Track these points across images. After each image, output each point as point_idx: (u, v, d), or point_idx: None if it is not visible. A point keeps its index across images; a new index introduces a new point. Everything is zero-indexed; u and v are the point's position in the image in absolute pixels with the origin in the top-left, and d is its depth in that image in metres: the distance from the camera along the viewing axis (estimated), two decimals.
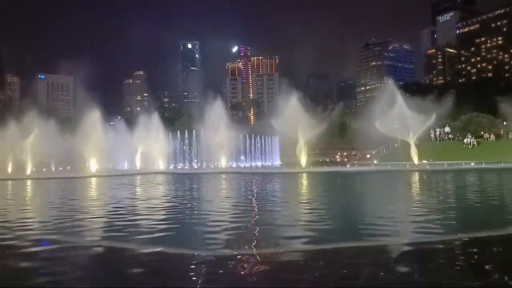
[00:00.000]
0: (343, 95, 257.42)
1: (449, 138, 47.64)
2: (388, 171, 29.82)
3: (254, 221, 9.20)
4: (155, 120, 50.21)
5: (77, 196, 17.06)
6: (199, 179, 27.45)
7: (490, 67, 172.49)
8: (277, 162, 57.54)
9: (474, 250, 6.10)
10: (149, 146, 46.64)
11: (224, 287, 4.55)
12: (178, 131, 57.65)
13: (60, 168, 46.16)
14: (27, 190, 21.59)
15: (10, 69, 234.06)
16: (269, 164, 56.52)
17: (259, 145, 59.06)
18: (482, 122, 48.68)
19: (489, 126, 47.65)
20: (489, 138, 45.02)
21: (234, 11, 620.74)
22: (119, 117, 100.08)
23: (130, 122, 57.71)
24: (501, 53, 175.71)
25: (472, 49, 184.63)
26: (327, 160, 61.24)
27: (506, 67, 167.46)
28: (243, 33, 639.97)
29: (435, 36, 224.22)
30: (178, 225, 8.68)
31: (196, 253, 5.93)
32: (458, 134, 47.69)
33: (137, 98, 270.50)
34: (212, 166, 48.58)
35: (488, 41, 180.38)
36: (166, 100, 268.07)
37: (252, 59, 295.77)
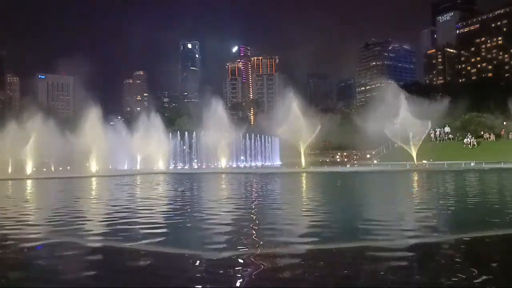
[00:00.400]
0: (343, 95, 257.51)
1: (449, 138, 47.65)
2: (388, 171, 29.82)
3: (253, 221, 9.21)
4: (155, 120, 50.24)
5: (77, 196, 17.05)
6: (199, 179, 27.46)
7: (490, 67, 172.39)
8: (277, 162, 57.54)
9: (474, 250, 6.10)
10: (149, 146, 46.64)
11: (224, 287, 4.56)
12: (178, 131, 57.63)
13: (60, 168, 46.15)
14: (27, 190, 21.58)
15: (10, 69, 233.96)
16: (269, 164, 56.49)
17: (259, 145, 59.03)
18: (482, 122, 48.66)
19: (489, 126, 47.63)
20: (489, 138, 45.03)
21: (234, 11, 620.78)
22: (119, 117, 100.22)
23: (130, 122, 57.71)
24: (501, 53, 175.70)
25: (472, 49, 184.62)
26: (327, 160, 61.24)
27: (506, 67, 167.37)
28: (243, 33, 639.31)
29: (435, 36, 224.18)
30: (178, 225, 8.68)
31: (196, 253, 5.93)
32: (458, 134, 47.69)
33: (137, 98, 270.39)
34: (212, 166, 48.59)
35: (488, 41, 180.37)
36: (166, 100, 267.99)
37: (252, 59, 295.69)
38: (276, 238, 6.94)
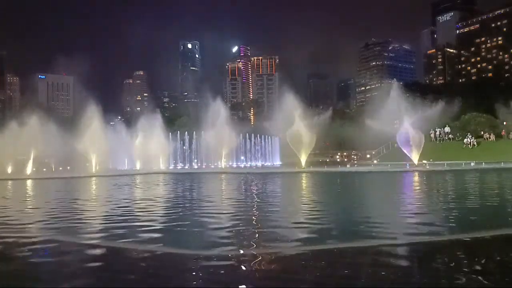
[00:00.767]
0: (343, 95, 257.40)
1: (449, 138, 47.61)
2: (388, 171, 29.81)
3: (253, 221, 9.21)
4: (155, 120, 50.25)
5: (77, 196, 17.05)
6: (199, 179, 27.45)
7: (490, 67, 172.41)
8: (277, 162, 57.51)
9: (474, 250, 6.10)
10: (149, 146, 46.64)
11: (224, 287, 4.55)
12: (178, 131, 57.62)
13: (60, 168, 46.16)
14: (27, 190, 21.58)
15: (10, 69, 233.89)
16: (269, 164, 56.46)
17: (259, 145, 59.00)
18: (482, 122, 48.61)
19: (489, 126, 47.60)
20: (489, 138, 45.00)
21: (234, 11, 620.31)
22: (119, 117, 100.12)
23: (130, 122, 57.72)
24: (501, 53, 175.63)
25: (472, 49, 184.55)
26: (327, 160, 61.21)
27: (506, 67, 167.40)
28: (243, 33, 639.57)
29: (435, 36, 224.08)
30: (178, 225, 8.67)
31: (196, 253, 5.93)
32: (458, 134, 47.66)
33: (137, 98, 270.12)
34: (212, 166, 48.57)
35: (488, 41, 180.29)
36: (166, 100, 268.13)
37: (252, 59, 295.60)
38: (276, 238, 6.94)
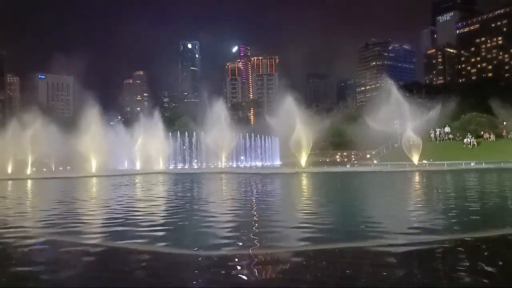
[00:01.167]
0: (343, 95, 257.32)
1: (449, 138, 47.60)
2: (388, 171, 29.81)
3: (254, 221, 9.20)
4: (155, 120, 50.26)
5: (76, 196, 17.04)
6: (199, 179, 27.45)
7: (490, 67, 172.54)
8: (277, 162, 57.49)
9: (474, 250, 6.10)
10: (149, 146, 46.64)
11: (224, 287, 4.55)
12: (178, 131, 57.64)
13: (60, 168, 46.16)
14: (27, 190, 21.58)
15: (10, 69, 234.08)
16: (269, 164, 56.45)
17: (259, 145, 58.99)
18: (482, 122, 48.62)
19: (489, 126, 47.60)
20: (489, 138, 45.00)
21: (234, 11, 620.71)
22: (119, 117, 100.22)
23: (130, 122, 57.74)
24: (501, 53, 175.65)
25: (472, 49, 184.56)
26: (327, 160, 61.20)
27: (506, 67, 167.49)
28: (243, 33, 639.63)
29: (435, 36, 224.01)
30: (178, 225, 8.68)
31: (196, 253, 5.93)
32: (458, 134, 47.66)
33: (137, 98, 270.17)
34: (212, 166, 48.56)
35: (488, 41, 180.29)
36: (166, 100, 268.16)
37: (252, 59, 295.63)
38: (276, 238, 6.94)
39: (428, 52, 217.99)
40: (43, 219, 10.11)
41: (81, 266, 5.51)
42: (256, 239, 6.88)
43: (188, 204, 12.97)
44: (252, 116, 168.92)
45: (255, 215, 10.13)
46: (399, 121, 35.58)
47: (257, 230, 7.81)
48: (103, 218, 10.13)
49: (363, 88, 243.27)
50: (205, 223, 8.76)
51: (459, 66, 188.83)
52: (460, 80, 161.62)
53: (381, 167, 33.47)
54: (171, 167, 49.56)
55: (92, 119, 40.20)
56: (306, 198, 14.51)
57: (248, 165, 53.48)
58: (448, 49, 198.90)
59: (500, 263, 5.27)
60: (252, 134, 58.08)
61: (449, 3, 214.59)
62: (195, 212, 10.70)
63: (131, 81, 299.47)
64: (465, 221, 8.55)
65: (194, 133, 54.16)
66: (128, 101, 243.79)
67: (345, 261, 5.41)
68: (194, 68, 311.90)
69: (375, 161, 44.94)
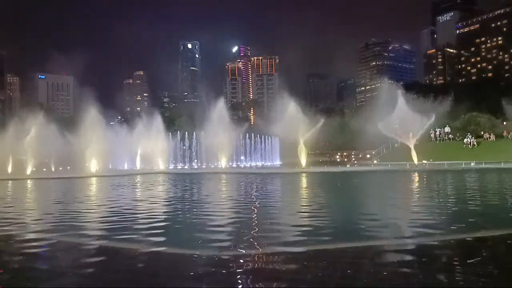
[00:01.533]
0: (343, 95, 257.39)
1: (449, 138, 47.61)
2: (388, 171, 29.82)
3: (254, 221, 9.20)
4: (155, 120, 50.27)
5: (76, 196, 17.03)
6: (199, 179, 27.44)
7: (490, 67, 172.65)
8: (277, 162, 57.51)
9: (474, 250, 6.09)
10: (149, 146, 46.65)
11: (224, 287, 4.55)
12: (178, 131, 57.65)
13: (60, 168, 46.15)
14: (27, 190, 21.57)
15: (10, 69, 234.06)
16: (269, 164, 56.47)
17: (259, 145, 58.99)
18: (482, 122, 48.63)
19: (489, 126, 47.61)
20: (489, 138, 45.01)
21: (234, 11, 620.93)
22: (119, 117, 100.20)
23: (130, 122, 57.73)
24: (501, 53, 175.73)
25: (472, 49, 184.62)
26: (327, 160, 61.21)
27: (506, 67, 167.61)
28: (243, 33, 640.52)
29: (435, 36, 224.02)
30: (178, 225, 8.67)
31: (196, 253, 5.92)
32: (458, 134, 47.67)
33: (137, 98, 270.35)
34: (212, 166, 48.57)
35: (488, 41, 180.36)
36: (166, 100, 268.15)
37: (252, 59, 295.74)
38: (276, 238, 6.93)
39: (428, 52, 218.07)
40: (42, 219, 10.11)
41: (81, 266, 5.50)
42: (256, 239, 6.87)
43: (188, 204, 12.96)
44: (252, 116, 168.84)
45: (255, 215, 10.12)
46: (399, 121, 35.58)
47: (257, 230, 7.80)
48: (103, 218, 10.12)
49: (363, 88, 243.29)
50: (205, 223, 8.76)
51: (459, 66, 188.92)
52: (460, 80, 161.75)
53: (381, 167, 33.50)
54: (171, 167, 49.56)
55: (92, 119, 40.20)
56: (306, 198, 14.50)
57: (248, 165, 53.50)
58: (448, 49, 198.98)
59: (501, 263, 5.26)
60: (252, 134, 58.09)
61: (449, 3, 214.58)
62: (196, 212, 10.69)
63: (131, 81, 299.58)
64: (465, 221, 8.54)
65: (194, 133, 54.17)
66: (128, 101, 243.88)
67: (345, 261, 5.40)
68: (194, 68, 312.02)
69: (375, 161, 44.95)
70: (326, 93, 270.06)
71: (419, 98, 40.20)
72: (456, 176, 23.47)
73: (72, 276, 5.02)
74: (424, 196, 14.27)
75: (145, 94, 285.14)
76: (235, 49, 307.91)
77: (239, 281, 4.66)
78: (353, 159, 57.82)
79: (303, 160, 36.78)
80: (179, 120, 79.57)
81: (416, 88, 76.18)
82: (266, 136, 58.33)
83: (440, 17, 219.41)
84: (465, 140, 43.47)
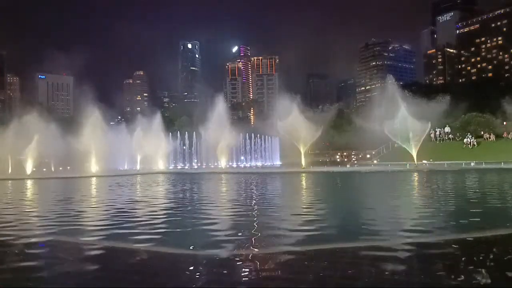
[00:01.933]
0: (343, 95, 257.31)
1: (449, 138, 47.62)
2: (388, 171, 29.81)
3: (254, 221, 9.19)
4: (155, 120, 50.28)
5: (76, 196, 17.03)
6: (199, 179, 27.44)
7: (490, 67, 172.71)
8: (277, 162, 57.50)
9: (474, 250, 6.08)
10: (149, 146, 46.65)
11: (224, 287, 4.54)
12: (178, 131, 57.67)
13: (60, 168, 46.16)
14: (27, 190, 21.57)
15: (10, 69, 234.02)
16: (269, 164, 56.46)
17: (259, 145, 58.98)
18: (482, 122, 48.65)
19: (489, 126, 47.62)
20: (489, 138, 45.01)
21: (234, 11, 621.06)
22: (119, 117, 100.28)
23: (130, 122, 57.73)
24: (501, 53, 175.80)
25: (472, 49, 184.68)
26: (327, 160, 61.18)
27: (506, 67, 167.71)
28: (243, 33, 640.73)
29: (435, 36, 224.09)
30: (179, 225, 8.66)
31: (196, 253, 5.92)
32: (458, 134, 47.68)
33: (137, 98, 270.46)
34: (212, 166, 48.58)
35: (488, 41, 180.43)
36: (166, 100, 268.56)
37: (252, 59, 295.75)
38: (276, 238, 6.93)
39: (428, 52, 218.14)
40: (42, 219, 10.10)
41: (80, 266, 5.50)
42: (257, 239, 6.87)
43: (188, 204, 12.96)
44: (252, 116, 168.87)
45: (255, 215, 10.11)
46: (399, 121, 35.57)
47: (258, 230, 7.79)
48: (103, 218, 10.11)
49: (363, 88, 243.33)
50: (206, 223, 8.75)
51: (459, 66, 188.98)
52: (460, 80, 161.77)
53: (381, 167, 33.48)
54: (171, 167, 49.58)
55: (92, 119, 40.20)
56: (306, 198, 14.50)
57: (248, 165, 53.49)
58: (448, 49, 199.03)
59: (501, 263, 5.26)
60: (252, 134, 58.09)
61: (449, 3, 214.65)
62: (196, 212, 10.69)
63: (131, 81, 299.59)
64: (466, 221, 8.53)
65: (194, 133, 54.18)
66: (128, 101, 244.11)
67: (345, 261, 5.40)
68: (194, 68, 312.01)
69: (375, 161, 44.95)
70: (326, 93, 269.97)
71: (419, 98, 40.16)
72: (456, 176, 23.46)
73: (72, 276, 5.02)
74: (424, 196, 14.25)
75: (145, 94, 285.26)
76: (235, 49, 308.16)
77: (239, 281, 4.65)
78: (353, 159, 57.79)
79: (303, 160, 36.79)
80: (179, 120, 79.68)
81: (416, 88, 76.24)
82: (266, 136, 58.33)
83: (440, 17, 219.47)
84: (465, 140, 43.48)
